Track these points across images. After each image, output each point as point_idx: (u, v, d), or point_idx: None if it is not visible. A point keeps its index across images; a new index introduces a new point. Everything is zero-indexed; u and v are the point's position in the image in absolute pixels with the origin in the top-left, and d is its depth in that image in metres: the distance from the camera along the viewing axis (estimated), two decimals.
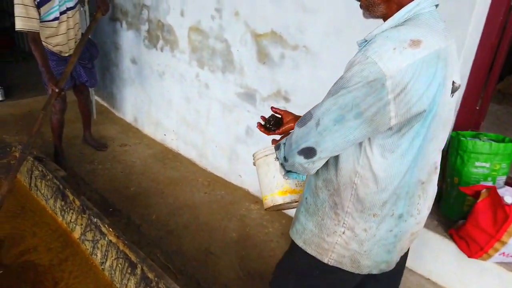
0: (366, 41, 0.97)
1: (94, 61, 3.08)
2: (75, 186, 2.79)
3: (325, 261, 1.14)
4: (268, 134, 1.35)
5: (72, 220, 2.24)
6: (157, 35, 3.18)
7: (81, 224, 2.16)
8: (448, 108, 1.01)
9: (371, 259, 1.11)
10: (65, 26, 2.69)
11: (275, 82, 2.43)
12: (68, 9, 2.66)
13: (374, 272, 1.16)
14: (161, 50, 3.12)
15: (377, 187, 1.02)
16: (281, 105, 2.44)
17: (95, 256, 2.05)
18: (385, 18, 1.00)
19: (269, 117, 1.39)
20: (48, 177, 2.47)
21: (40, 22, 2.54)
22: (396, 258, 1.17)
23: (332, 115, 0.94)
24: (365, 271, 1.15)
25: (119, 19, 3.60)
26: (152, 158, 3.33)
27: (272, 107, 1.37)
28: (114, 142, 3.53)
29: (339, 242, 1.10)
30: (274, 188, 1.41)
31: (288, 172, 1.13)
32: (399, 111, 0.90)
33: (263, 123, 1.36)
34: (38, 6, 2.47)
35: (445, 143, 1.10)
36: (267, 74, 2.47)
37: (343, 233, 1.09)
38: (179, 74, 3.11)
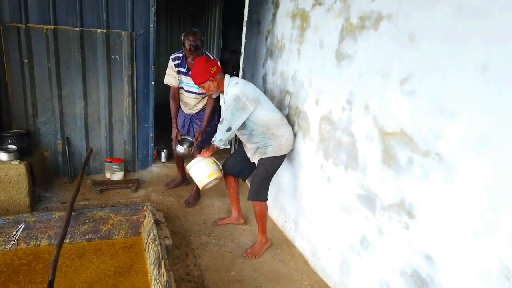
0: (224, 95, 2.82)
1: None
2: (183, 257, 2.83)
3: (283, 153, 2.90)
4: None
5: None
6: (294, 120, 3.14)
7: None
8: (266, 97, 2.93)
9: (289, 145, 2.92)
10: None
11: (399, 190, 1.99)
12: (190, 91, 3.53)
13: (289, 151, 2.96)
14: (295, 135, 3.05)
15: (274, 121, 2.84)
16: (403, 219, 1.96)
17: None
18: (219, 91, 2.87)
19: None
20: (156, 242, 2.57)
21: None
22: (291, 147, 2.96)
23: (229, 114, 2.68)
24: (287, 152, 2.94)
25: None
26: None
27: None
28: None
29: (283, 142, 2.86)
30: (204, 176, 2.97)
31: (223, 145, 2.82)
32: (249, 102, 2.70)
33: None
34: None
35: None
36: (391, 179, 2.05)
37: (283, 137, 2.85)
38: (306, 161, 2.95)
